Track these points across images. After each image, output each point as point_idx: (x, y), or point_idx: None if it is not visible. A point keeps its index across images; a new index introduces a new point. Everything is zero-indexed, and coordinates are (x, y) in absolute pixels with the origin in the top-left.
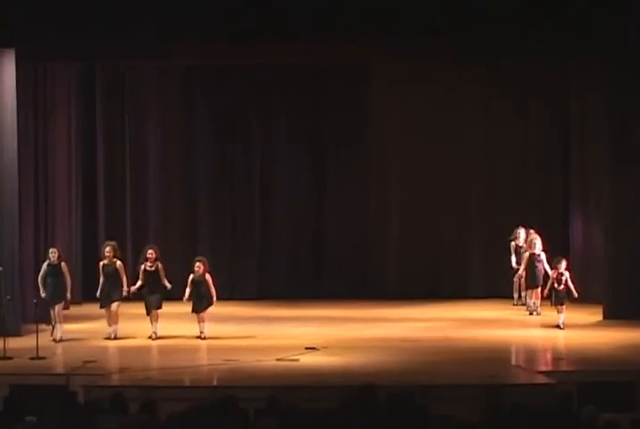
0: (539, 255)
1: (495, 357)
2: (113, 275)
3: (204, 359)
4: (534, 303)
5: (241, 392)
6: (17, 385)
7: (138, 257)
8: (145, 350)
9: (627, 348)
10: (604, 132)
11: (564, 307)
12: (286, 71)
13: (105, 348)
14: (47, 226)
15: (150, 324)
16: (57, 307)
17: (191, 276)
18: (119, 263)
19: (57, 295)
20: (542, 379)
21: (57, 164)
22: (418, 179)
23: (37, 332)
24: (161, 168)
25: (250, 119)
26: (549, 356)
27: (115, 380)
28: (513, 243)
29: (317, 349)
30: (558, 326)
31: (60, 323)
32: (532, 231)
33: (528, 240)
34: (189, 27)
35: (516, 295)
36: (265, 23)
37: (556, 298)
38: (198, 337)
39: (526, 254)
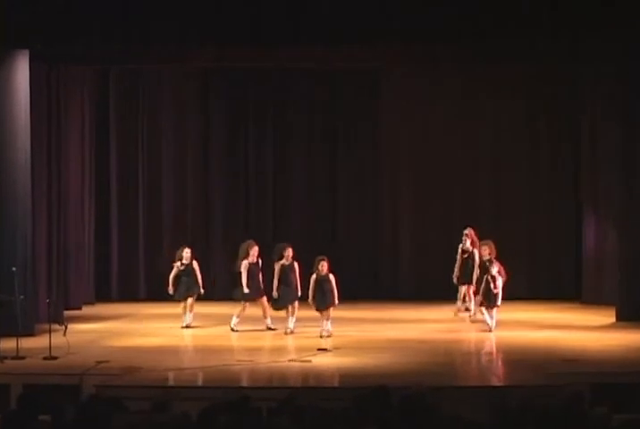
0: (469, 251)
1: (508, 359)
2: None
3: (217, 360)
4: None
5: (255, 392)
6: (31, 385)
7: (152, 257)
8: (158, 351)
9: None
10: (616, 132)
11: (495, 310)
12: (300, 73)
13: (118, 348)
14: (60, 227)
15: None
16: None
17: (314, 275)
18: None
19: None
20: (553, 380)
21: (70, 165)
22: (430, 180)
23: (49, 331)
24: (174, 168)
25: (265, 120)
26: (559, 357)
27: (128, 380)
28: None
29: (330, 351)
30: (489, 329)
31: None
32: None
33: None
34: (206, 31)
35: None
36: (281, 29)
37: (490, 300)
38: (321, 335)
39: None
